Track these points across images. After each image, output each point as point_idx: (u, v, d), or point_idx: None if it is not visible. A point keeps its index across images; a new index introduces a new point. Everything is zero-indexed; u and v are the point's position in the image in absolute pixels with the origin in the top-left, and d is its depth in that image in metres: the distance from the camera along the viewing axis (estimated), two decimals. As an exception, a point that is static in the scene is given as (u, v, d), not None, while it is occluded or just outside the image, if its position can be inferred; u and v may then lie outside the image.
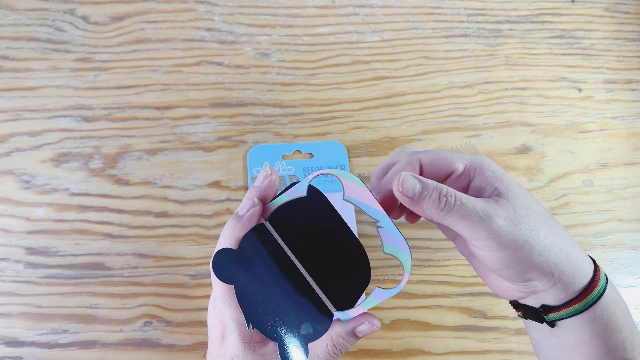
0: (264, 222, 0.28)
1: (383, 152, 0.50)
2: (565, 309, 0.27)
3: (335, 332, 0.29)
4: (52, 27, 0.51)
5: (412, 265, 0.46)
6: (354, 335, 0.29)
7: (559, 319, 0.27)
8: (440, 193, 0.26)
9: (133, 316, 0.43)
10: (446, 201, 0.26)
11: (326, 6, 0.56)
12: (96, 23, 0.52)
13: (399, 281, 0.47)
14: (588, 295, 0.26)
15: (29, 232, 0.44)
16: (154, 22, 0.52)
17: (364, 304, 0.29)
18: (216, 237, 0.45)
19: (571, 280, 0.26)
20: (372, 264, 0.47)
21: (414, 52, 0.55)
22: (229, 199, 0.47)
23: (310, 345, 0.28)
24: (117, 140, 0.48)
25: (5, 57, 0.49)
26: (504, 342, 0.45)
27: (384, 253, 0.28)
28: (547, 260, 0.26)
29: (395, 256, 0.28)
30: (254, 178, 0.47)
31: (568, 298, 0.27)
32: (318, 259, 0.28)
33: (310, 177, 0.28)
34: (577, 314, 0.27)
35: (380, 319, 0.44)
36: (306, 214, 0.28)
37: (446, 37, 0.56)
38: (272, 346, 0.28)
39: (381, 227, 0.28)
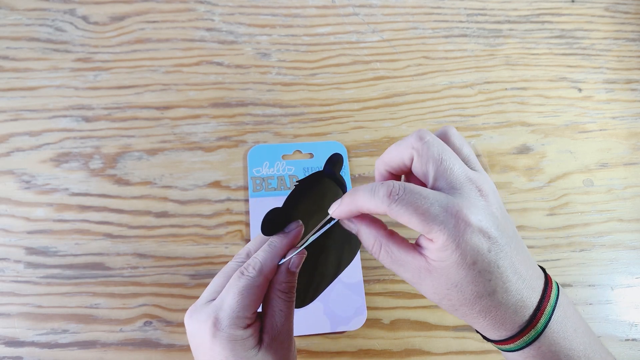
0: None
1: (383, 152, 0.50)
2: (502, 344, 0.27)
3: (278, 281, 0.30)
4: (52, 27, 0.51)
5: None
6: (291, 273, 0.31)
7: (502, 350, 0.28)
8: (373, 245, 0.28)
9: (133, 316, 0.43)
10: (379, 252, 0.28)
11: (326, 6, 0.56)
12: (96, 23, 0.52)
13: (399, 281, 0.47)
14: (527, 333, 0.26)
15: (29, 232, 0.44)
16: (154, 22, 0.52)
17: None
18: (216, 237, 0.45)
19: (502, 327, 0.26)
20: (371, 264, 0.47)
21: (414, 52, 0.55)
22: (229, 199, 0.47)
23: (272, 309, 0.30)
24: (117, 140, 0.48)
25: (5, 57, 0.49)
26: (504, 342, 0.45)
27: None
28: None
29: None
30: (254, 178, 0.47)
31: (506, 335, 0.26)
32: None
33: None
34: (516, 350, 0.26)
35: (380, 319, 0.45)
36: None
37: (446, 37, 0.56)
38: (253, 349, 0.29)
39: None
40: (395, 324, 0.45)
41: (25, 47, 0.50)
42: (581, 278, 0.48)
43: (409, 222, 0.25)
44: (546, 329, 0.26)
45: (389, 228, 0.28)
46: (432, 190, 0.25)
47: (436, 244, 0.25)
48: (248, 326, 0.29)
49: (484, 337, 0.28)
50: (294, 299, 0.31)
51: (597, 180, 0.52)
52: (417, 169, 0.27)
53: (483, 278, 0.25)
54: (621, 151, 0.54)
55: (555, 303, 0.26)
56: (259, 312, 0.31)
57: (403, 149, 0.27)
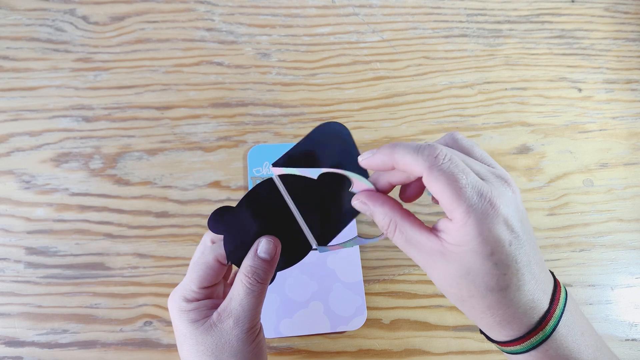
0: (273, 176, 0.31)
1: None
2: (501, 345, 0.26)
3: (242, 265, 0.30)
4: (52, 27, 0.51)
5: (412, 266, 0.46)
6: (258, 258, 0.30)
7: (505, 352, 0.27)
8: (388, 225, 0.27)
9: (133, 316, 0.43)
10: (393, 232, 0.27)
11: (326, 6, 0.56)
12: (96, 23, 0.52)
13: (399, 281, 0.47)
14: (526, 341, 0.25)
15: (29, 232, 0.44)
16: (154, 22, 0.52)
17: (343, 243, 0.32)
18: (216, 237, 0.45)
19: (509, 327, 0.25)
20: (371, 264, 0.47)
21: (414, 52, 0.55)
22: (229, 199, 0.47)
23: (232, 291, 0.30)
24: (117, 140, 0.48)
25: (5, 57, 0.49)
26: (504, 342, 0.45)
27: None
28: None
29: None
30: (254, 178, 0.47)
31: (505, 339, 0.26)
32: (310, 205, 0.32)
33: (327, 170, 0.30)
34: (521, 352, 0.26)
35: (380, 319, 0.45)
36: (307, 180, 0.31)
37: (446, 37, 0.56)
38: (204, 321, 0.30)
39: None
40: (395, 324, 0.45)
41: (25, 47, 0.50)
42: (581, 278, 0.48)
43: (441, 193, 0.24)
44: (554, 332, 0.25)
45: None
46: (472, 171, 0.25)
47: (457, 225, 0.24)
48: (195, 300, 0.30)
49: (488, 338, 0.28)
50: (259, 287, 0.30)
51: (597, 180, 0.52)
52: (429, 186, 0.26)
53: (498, 271, 0.24)
54: (621, 151, 0.54)
55: (564, 307, 0.26)
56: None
57: (414, 165, 0.26)
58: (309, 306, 0.44)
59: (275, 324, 0.43)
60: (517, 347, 0.26)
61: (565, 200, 0.51)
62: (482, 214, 0.24)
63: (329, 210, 0.32)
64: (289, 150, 0.31)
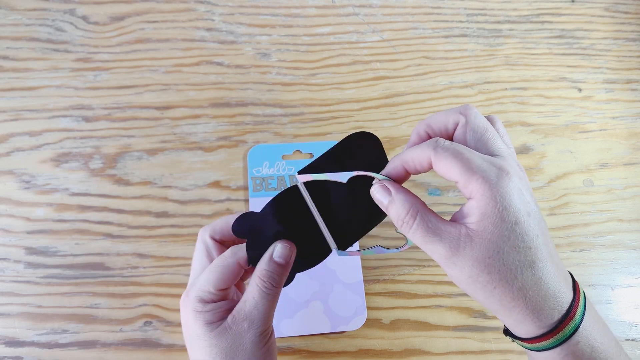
0: (297, 183, 0.32)
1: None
2: (531, 343, 0.26)
3: (259, 268, 0.31)
4: (52, 27, 0.51)
5: (412, 266, 0.46)
6: (273, 262, 0.30)
7: (528, 349, 0.27)
8: (407, 213, 0.27)
9: (133, 316, 0.43)
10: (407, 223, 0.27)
11: (326, 6, 0.56)
12: (96, 23, 0.52)
13: (399, 281, 0.47)
14: (559, 332, 0.25)
15: (29, 232, 0.44)
16: (154, 22, 0.52)
17: (363, 250, 0.32)
18: (216, 237, 0.45)
19: (541, 314, 0.25)
20: (371, 264, 0.47)
21: (414, 52, 0.55)
22: (229, 199, 0.47)
23: (247, 294, 0.31)
24: (117, 140, 0.48)
25: (5, 57, 0.49)
26: (504, 342, 0.45)
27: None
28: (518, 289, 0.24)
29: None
30: (254, 178, 0.47)
31: (537, 332, 0.25)
32: (334, 210, 0.32)
33: (355, 172, 0.30)
34: (545, 349, 0.25)
35: (380, 319, 0.45)
36: (336, 188, 0.32)
37: (446, 37, 0.56)
38: (219, 323, 0.30)
39: None
40: (395, 324, 0.45)
41: (25, 47, 0.50)
42: (581, 278, 0.48)
43: (450, 169, 0.25)
44: (582, 323, 0.25)
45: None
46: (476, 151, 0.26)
47: (476, 197, 0.24)
48: (212, 302, 0.30)
49: (514, 337, 0.27)
50: (274, 291, 0.30)
51: (597, 180, 0.52)
52: (459, 135, 0.27)
53: (524, 244, 0.24)
54: (621, 151, 0.54)
55: (585, 297, 0.26)
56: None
57: (451, 113, 0.28)
58: (309, 306, 0.44)
59: (276, 324, 0.43)
60: (550, 341, 0.25)
61: (565, 200, 0.51)
62: (497, 178, 0.24)
63: (352, 215, 0.32)
64: (314, 160, 0.32)
